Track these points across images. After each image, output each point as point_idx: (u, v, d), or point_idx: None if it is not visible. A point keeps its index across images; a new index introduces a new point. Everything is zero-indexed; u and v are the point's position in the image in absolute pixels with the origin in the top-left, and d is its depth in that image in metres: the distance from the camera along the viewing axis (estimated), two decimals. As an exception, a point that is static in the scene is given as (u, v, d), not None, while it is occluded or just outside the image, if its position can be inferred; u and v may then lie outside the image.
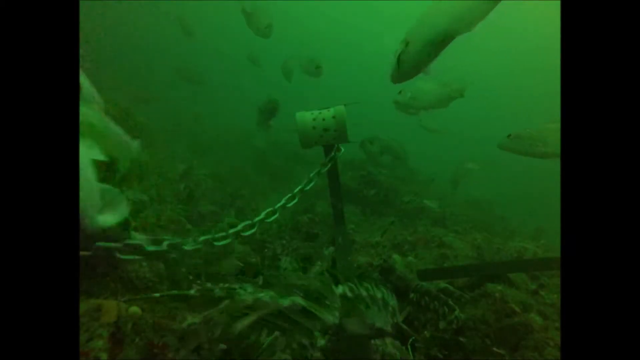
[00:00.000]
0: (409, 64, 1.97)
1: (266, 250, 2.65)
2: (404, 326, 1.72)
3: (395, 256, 2.16)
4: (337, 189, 2.57)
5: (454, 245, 2.89)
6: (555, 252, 2.80)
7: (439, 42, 1.88)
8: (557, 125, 2.47)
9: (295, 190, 2.17)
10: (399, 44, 2.18)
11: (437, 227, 3.99)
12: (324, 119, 2.36)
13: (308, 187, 2.22)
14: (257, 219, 1.93)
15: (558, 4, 0.98)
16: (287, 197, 2.13)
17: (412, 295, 1.87)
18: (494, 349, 1.55)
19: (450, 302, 1.76)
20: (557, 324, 1.56)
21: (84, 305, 1.26)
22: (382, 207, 4.75)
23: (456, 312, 1.72)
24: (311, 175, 2.29)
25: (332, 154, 2.46)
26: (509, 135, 2.55)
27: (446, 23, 1.78)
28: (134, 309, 1.38)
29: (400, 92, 3.12)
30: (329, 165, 2.44)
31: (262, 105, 4.25)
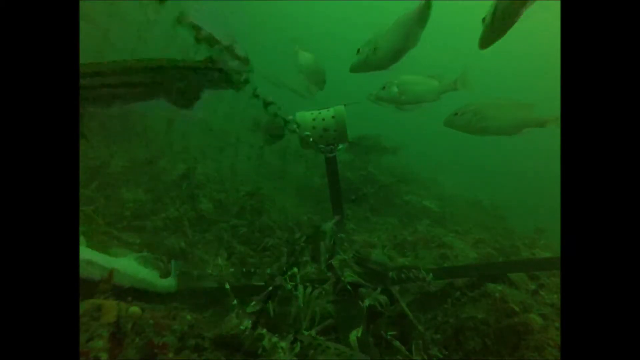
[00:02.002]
0: (374, 65, 2.35)
1: (267, 251, 2.65)
2: (408, 310, 1.77)
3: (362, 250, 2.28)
4: (336, 189, 2.57)
5: (454, 245, 2.89)
6: (555, 252, 2.80)
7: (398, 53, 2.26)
8: (493, 101, 2.54)
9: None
10: (366, 45, 2.36)
11: (437, 227, 3.98)
12: (323, 119, 2.36)
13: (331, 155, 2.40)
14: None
15: (558, 4, 0.98)
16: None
17: (391, 273, 1.97)
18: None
19: (423, 271, 1.98)
20: (557, 324, 1.56)
21: (84, 305, 1.26)
22: (382, 206, 4.75)
23: (430, 276, 1.95)
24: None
25: (332, 153, 2.46)
26: (455, 113, 2.57)
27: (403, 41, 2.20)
28: (134, 309, 1.39)
29: (383, 87, 3.00)
30: (334, 153, 2.46)
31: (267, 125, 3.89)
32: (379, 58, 2.38)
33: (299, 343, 1.39)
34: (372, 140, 4.90)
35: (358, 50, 2.43)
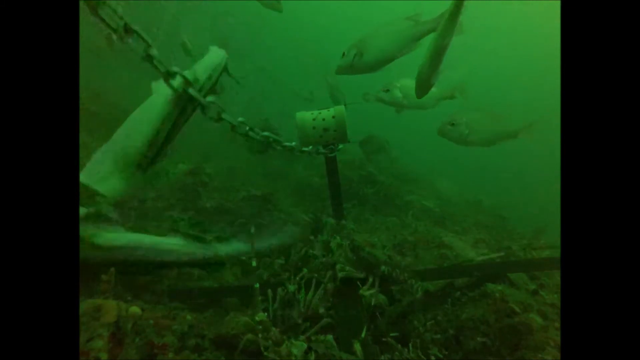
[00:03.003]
0: (361, 69, 2.34)
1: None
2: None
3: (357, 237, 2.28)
4: (336, 188, 2.57)
5: (454, 245, 2.89)
6: (555, 252, 2.80)
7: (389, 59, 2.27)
8: (481, 114, 2.62)
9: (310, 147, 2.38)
10: (350, 48, 2.33)
11: (437, 227, 3.98)
12: (324, 119, 2.36)
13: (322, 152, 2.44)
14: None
15: (558, 4, 0.98)
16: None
17: (383, 268, 1.95)
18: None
19: (412, 279, 1.94)
20: (557, 324, 1.56)
21: (84, 305, 1.26)
22: (382, 206, 4.75)
23: (417, 284, 1.92)
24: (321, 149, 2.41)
25: (332, 153, 2.46)
26: (452, 124, 2.60)
27: (393, 47, 2.21)
28: (134, 309, 1.39)
29: (387, 90, 3.02)
30: (334, 152, 2.47)
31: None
32: (366, 62, 2.36)
33: (313, 353, 1.39)
34: (380, 141, 4.96)
35: (343, 54, 2.40)
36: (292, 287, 1.76)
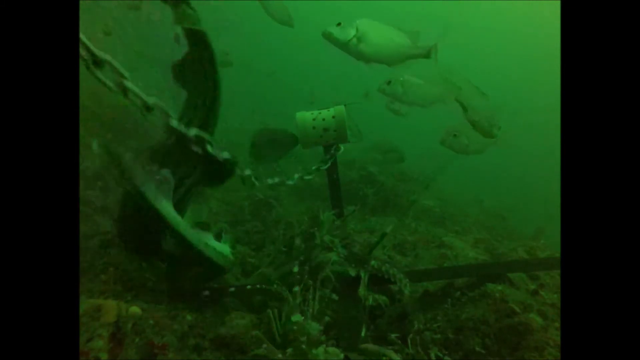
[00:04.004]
0: (351, 53, 2.35)
1: (265, 249, 2.65)
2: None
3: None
4: (336, 189, 2.57)
5: (454, 245, 2.89)
6: (555, 252, 2.80)
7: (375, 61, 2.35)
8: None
9: (296, 177, 2.32)
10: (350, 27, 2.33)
11: (437, 227, 3.98)
12: (324, 119, 2.36)
13: (308, 178, 2.38)
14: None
15: (558, 4, 0.98)
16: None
17: (373, 262, 1.93)
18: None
19: (405, 280, 1.93)
20: (557, 324, 1.56)
21: (84, 305, 1.26)
22: (382, 206, 4.75)
23: (406, 281, 1.91)
24: (312, 168, 2.35)
25: (332, 152, 2.46)
26: (454, 135, 2.69)
27: (387, 55, 2.34)
28: (134, 309, 1.39)
29: (389, 82, 3.04)
30: (329, 163, 2.45)
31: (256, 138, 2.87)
32: (360, 51, 2.37)
33: None
34: (389, 144, 5.04)
35: (339, 24, 2.36)
36: (294, 301, 1.72)
